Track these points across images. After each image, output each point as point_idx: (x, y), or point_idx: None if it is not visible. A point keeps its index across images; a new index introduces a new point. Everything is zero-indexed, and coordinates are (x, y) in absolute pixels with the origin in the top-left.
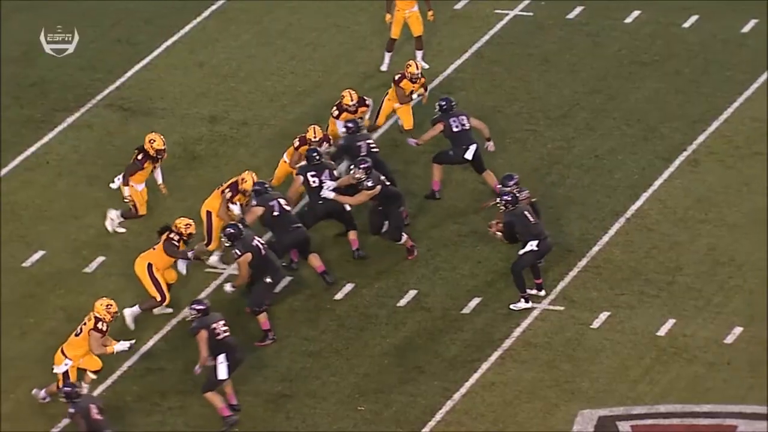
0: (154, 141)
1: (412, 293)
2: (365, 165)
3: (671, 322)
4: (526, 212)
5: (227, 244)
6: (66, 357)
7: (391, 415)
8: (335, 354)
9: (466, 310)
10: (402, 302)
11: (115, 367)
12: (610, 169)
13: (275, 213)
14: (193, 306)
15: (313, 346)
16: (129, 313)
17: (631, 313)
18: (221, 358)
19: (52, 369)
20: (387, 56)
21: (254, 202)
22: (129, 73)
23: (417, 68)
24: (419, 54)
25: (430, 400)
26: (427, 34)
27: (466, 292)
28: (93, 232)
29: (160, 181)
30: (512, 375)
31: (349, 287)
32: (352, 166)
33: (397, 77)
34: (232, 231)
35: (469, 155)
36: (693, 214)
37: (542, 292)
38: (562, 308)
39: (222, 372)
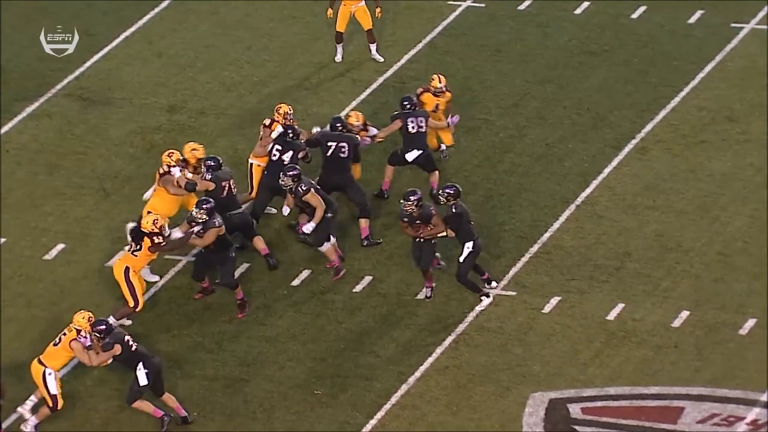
0: (197, 150)
1: (367, 279)
2: (293, 173)
3: (620, 306)
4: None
5: (202, 219)
6: (45, 366)
7: (347, 398)
8: (292, 339)
9: (420, 296)
10: (357, 288)
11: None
12: (561, 157)
13: (222, 195)
14: (96, 328)
15: (270, 331)
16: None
17: (581, 298)
18: (140, 366)
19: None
20: (339, 48)
21: (207, 176)
22: (88, 64)
23: (440, 82)
24: (373, 47)
25: (385, 383)
26: (380, 25)
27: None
28: (52, 219)
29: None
30: (465, 359)
31: (305, 273)
32: (282, 173)
33: (419, 91)
34: (213, 163)
35: (410, 158)
36: (641, 201)
37: (494, 283)
38: (513, 293)
39: (143, 378)
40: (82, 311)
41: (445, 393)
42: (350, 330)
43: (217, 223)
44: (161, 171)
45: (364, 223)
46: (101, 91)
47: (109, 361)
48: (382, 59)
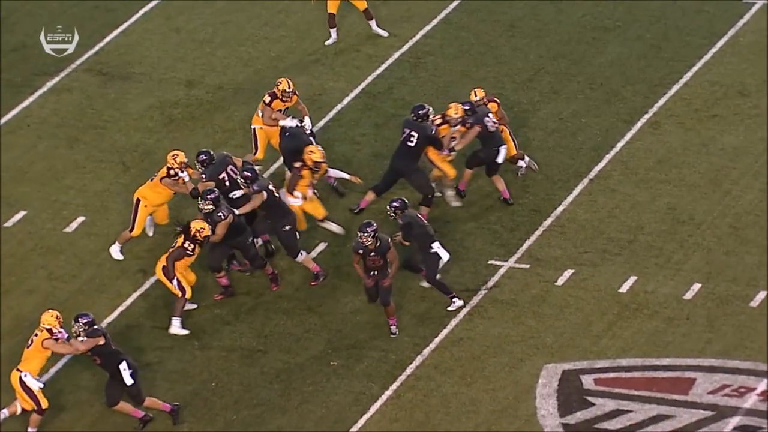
0: (313, 153)
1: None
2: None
3: (633, 279)
4: (418, 215)
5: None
6: (20, 371)
7: (363, 369)
8: (309, 311)
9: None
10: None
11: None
12: (574, 131)
13: (225, 186)
14: (79, 320)
15: (287, 303)
16: (175, 329)
17: (594, 271)
18: (124, 365)
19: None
20: (333, 31)
21: (204, 177)
22: (107, 39)
23: (479, 93)
24: (373, 23)
25: (401, 355)
26: (396, 1)
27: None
28: (73, 192)
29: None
30: (480, 331)
31: (322, 246)
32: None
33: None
34: (204, 157)
35: (501, 158)
36: (654, 175)
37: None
38: (527, 266)
39: (128, 378)
40: (49, 310)
41: (460, 364)
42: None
43: (222, 215)
44: (166, 172)
45: (424, 210)
46: (120, 65)
47: (85, 351)
48: (386, 33)
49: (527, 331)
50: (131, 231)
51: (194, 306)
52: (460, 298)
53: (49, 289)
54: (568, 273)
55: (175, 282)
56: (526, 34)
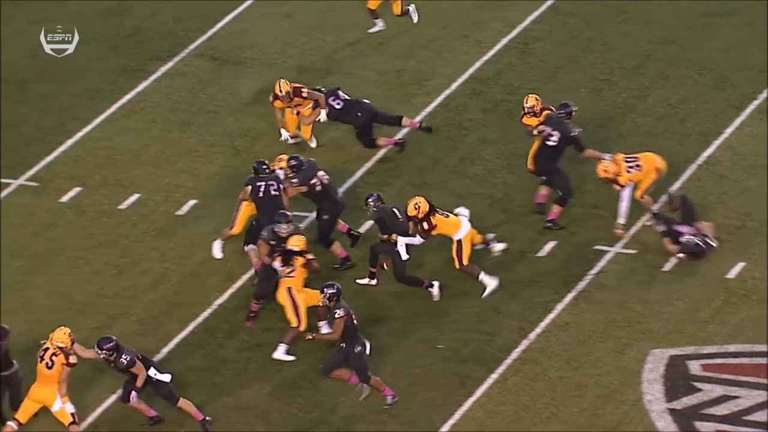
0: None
1: (489, 237)
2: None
3: (740, 265)
4: (394, 209)
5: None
6: (56, 398)
7: (469, 353)
8: (415, 294)
9: (541, 253)
10: (480, 245)
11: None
12: (683, 117)
13: (318, 188)
14: (104, 347)
15: (395, 286)
16: (280, 354)
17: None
18: (153, 371)
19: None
20: (379, 22)
21: (295, 180)
22: (220, 24)
23: (530, 101)
24: (379, 23)
25: (507, 338)
26: None
27: (542, 235)
28: (185, 176)
29: None
30: (586, 316)
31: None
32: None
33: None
34: (295, 162)
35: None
36: (763, 161)
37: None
38: (634, 252)
39: (164, 377)
40: (61, 328)
41: (565, 349)
42: (473, 286)
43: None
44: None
45: (556, 208)
46: (232, 51)
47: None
48: (415, 17)
49: (633, 317)
50: (231, 229)
51: (310, 336)
52: (432, 285)
53: (161, 271)
54: (674, 258)
55: (294, 309)
56: (635, 20)
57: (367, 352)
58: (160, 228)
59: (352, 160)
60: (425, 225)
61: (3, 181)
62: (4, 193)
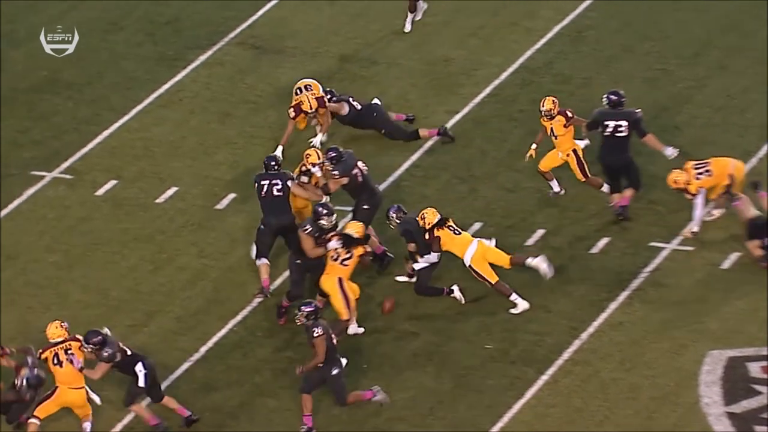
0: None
1: (540, 232)
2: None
3: None
4: (417, 218)
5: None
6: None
7: (518, 353)
8: (462, 292)
9: (594, 250)
10: (530, 241)
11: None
12: (742, 108)
13: (360, 179)
14: (91, 341)
15: (440, 284)
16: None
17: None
18: (139, 366)
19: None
20: (409, 16)
21: (336, 172)
22: (260, 12)
23: (547, 103)
24: (409, 19)
25: (557, 338)
26: None
27: (595, 231)
28: (224, 168)
29: None
30: (640, 315)
31: (477, 226)
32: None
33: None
34: (334, 154)
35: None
36: None
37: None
38: (691, 248)
39: (141, 380)
40: (50, 324)
41: (619, 349)
42: (521, 284)
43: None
44: (299, 171)
45: (628, 192)
46: (273, 39)
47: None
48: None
49: (690, 316)
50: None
51: (361, 330)
52: (452, 290)
53: (199, 267)
54: (734, 256)
55: (345, 301)
56: (692, 7)
57: (342, 369)
58: (198, 222)
59: (396, 153)
60: (427, 236)
61: (36, 173)
62: (38, 186)
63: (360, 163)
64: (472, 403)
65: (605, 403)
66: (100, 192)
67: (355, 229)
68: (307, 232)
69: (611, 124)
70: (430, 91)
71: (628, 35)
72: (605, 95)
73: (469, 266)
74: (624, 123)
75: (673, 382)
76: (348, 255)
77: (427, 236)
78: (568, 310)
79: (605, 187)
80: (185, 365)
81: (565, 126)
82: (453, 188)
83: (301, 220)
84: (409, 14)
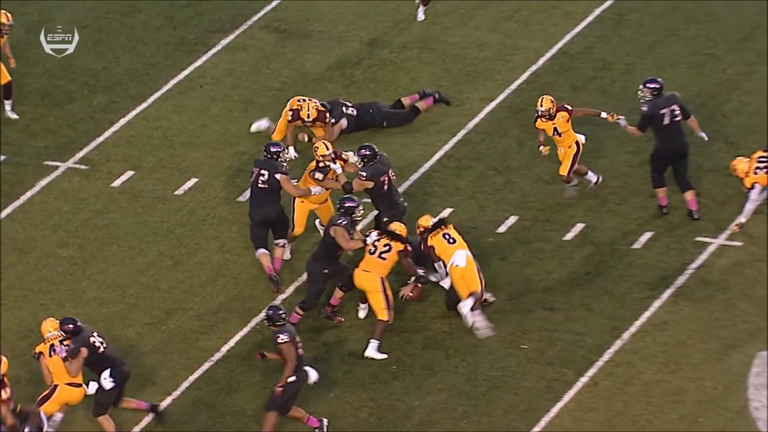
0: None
1: (579, 227)
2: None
3: None
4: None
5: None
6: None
7: (556, 354)
8: (497, 290)
9: (636, 245)
10: (568, 236)
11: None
12: None
13: (383, 190)
14: (64, 327)
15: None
16: (372, 351)
17: None
18: (106, 374)
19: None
20: (421, 9)
21: (363, 174)
22: None
23: (546, 103)
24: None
25: (598, 338)
26: None
27: (637, 225)
28: (247, 159)
29: None
30: (685, 314)
31: (513, 220)
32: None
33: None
34: (368, 153)
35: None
36: None
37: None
38: (740, 243)
39: (107, 383)
40: (44, 323)
41: (663, 350)
42: (560, 281)
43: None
44: (315, 165)
45: (690, 194)
46: (299, 23)
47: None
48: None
49: (739, 315)
50: (293, 230)
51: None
52: (487, 298)
53: (221, 262)
54: None
55: (386, 301)
56: None
57: (311, 381)
58: (220, 216)
59: (429, 143)
60: (422, 247)
61: (50, 164)
62: (52, 176)
63: (391, 171)
64: (508, 406)
65: (648, 407)
66: (117, 183)
67: (398, 228)
68: (343, 224)
69: (667, 111)
70: (464, 77)
71: (673, 18)
72: (641, 87)
73: (449, 271)
74: (675, 107)
75: (720, 385)
76: (386, 248)
77: (422, 247)
78: (609, 309)
79: (590, 174)
80: (206, 365)
81: (568, 121)
82: (488, 180)
83: (321, 215)
84: (421, 6)
